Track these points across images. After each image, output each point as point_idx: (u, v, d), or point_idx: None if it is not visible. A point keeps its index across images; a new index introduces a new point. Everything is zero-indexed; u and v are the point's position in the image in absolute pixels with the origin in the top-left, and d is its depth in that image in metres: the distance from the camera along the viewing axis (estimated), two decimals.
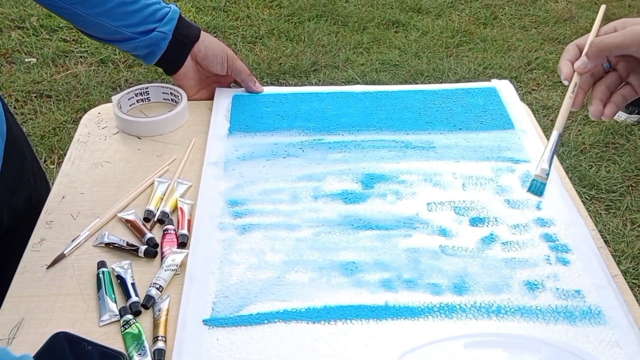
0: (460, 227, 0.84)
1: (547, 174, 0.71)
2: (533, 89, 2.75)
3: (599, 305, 0.73)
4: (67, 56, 2.93)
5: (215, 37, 3.51)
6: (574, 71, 0.73)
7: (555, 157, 0.97)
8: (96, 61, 2.89)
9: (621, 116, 2.50)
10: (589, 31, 2.80)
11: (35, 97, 2.65)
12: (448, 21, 3.27)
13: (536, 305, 0.73)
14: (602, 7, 0.68)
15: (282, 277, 0.77)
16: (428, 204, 0.87)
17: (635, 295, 1.87)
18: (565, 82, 0.74)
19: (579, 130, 2.48)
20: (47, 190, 0.98)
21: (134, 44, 1.00)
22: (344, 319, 0.72)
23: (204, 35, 1.05)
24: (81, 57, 2.93)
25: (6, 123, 0.93)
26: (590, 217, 2.14)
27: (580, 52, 0.73)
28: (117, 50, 2.96)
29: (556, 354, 0.68)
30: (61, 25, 3.12)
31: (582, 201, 2.13)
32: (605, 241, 2.01)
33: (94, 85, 2.74)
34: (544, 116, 2.56)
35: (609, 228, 2.06)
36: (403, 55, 2.98)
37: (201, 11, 3.34)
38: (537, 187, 0.73)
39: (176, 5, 1.05)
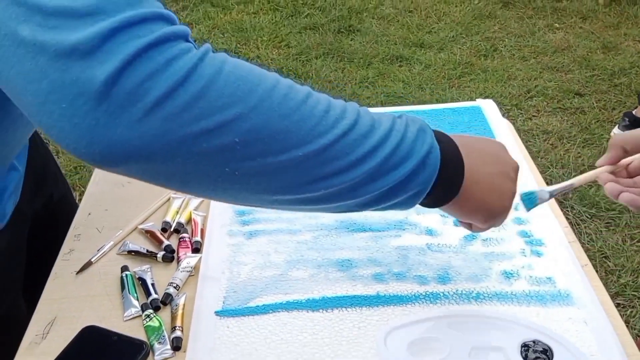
0: (445, 227, 0.93)
1: (544, 197, 0.75)
2: (533, 115, 2.85)
3: (568, 289, 0.82)
4: None
5: None
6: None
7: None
8: None
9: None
10: (586, 59, 2.94)
11: None
12: (450, 54, 3.39)
13: (511, 291, 0.82)
14: None
15: (285, 274, 0.87)
16: (416, 208, 0.96)
17: (635, 307, 1.92)
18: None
19: (579, 153, 2.57)
20: (68, 190, 1.12)
21: None
22: (340, 307, 0.81)
23: None
24: None
25: None
26: (591, 234, 2.20)
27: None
28: None
29: (526, 332, 0.76)
30: None
31: (583, 219, 2.21)
32: (605, 256, 2.08)
33: None
34: (544, 140, 2.66)
35: (609, 244, 2.12)
36: (407, 87, 3.10)
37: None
38: (528, 198, 0.75)
39: None
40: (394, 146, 0.57)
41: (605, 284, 2.00)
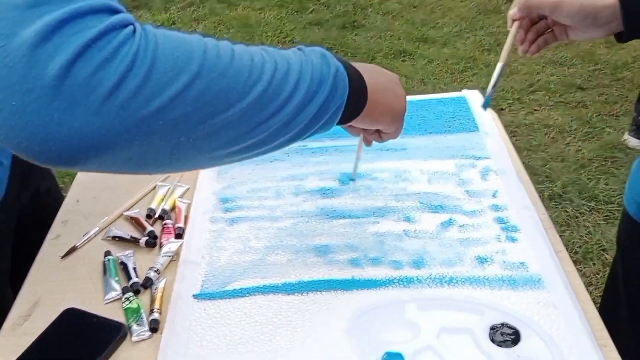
0: (423, 214, 0.94)
1: (492, 91, 0.96)
2: (535, 109, 2.84)
3: (540, 274, 0.83)
4: None
5: None
6: (513, 20, 0.93)
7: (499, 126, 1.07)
8: None
9: (631, 141, 2.53)
10: (589, 53, 2.99)
11: None
12: (453, 49, 3.39)
13: (484, 275, 0.83)
14: None
15: (264, 259, 0.88)
16: (396, 195, 0.98)
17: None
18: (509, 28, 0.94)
19: (579, 146, 2.56)
20: (55, 183, 1.13)
21: None
22: (315, 290, 0.83)
23: None
24: None
25: None
26: (589, 227, 2.19)
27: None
28: None
29: (495, 315, 0.77)
30: None
31: (581, 212, 2.21)
32: (603, 249, 2.08)
33: None
34: (545, 134, 2.65)
35: (607, 237, 2.12)
36: (409, 82, 3.11)
37: None
38: (486, 101, 0.98)
39: None
40: (310, 74, 0.62)
41: (603, 276, 2.00)
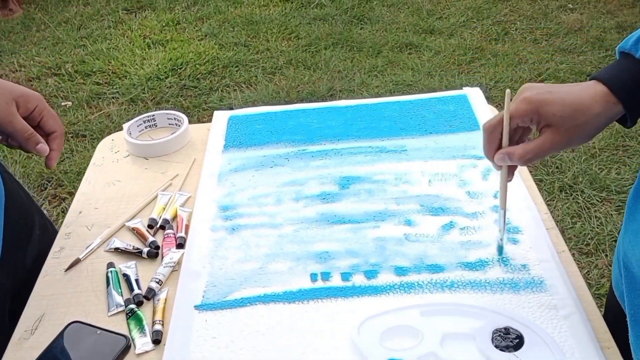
0: (423, 218, 0.93)
1: (503, 237, 0.86)
2: None
3: (542, 276, 0.82)
4: (100, 98, 3.13)
5: (237, 70, 3.65)
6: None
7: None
8: (126, 100, 3.08)
9: None
10: (599, 40, 2.97)
11: (72, 137, 2.84)
12: (460, 40, 3.37)
13: (485, 279, 0.83)
14: (507, 92, 0.77)
15: (264, 267, 0.88)
16: (396, 198, 0.97)
17: None
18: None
19: None
20: (55, 234, 1.02)
21: None
22: (316, 298, 0.83)
23: None
24: (113, 97, 3.13)
25: (3, 184, 0.95)
26: (601, 218, 2.17)
27: (499, 134, 0.79)
28: (146, 88, 3.15)
29: (497, 319, 0.77)
30: (94, 70, 3.34)
31: (593, 203, 2.19)
32: (615, 240, 2.06)
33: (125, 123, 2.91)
34: None
35: (619, 227, 2.10)
36: (416, 75, 3.09)
37: (224, 47, 3.51)
38: (499, 249, 0.87)
39: None
40: None
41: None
